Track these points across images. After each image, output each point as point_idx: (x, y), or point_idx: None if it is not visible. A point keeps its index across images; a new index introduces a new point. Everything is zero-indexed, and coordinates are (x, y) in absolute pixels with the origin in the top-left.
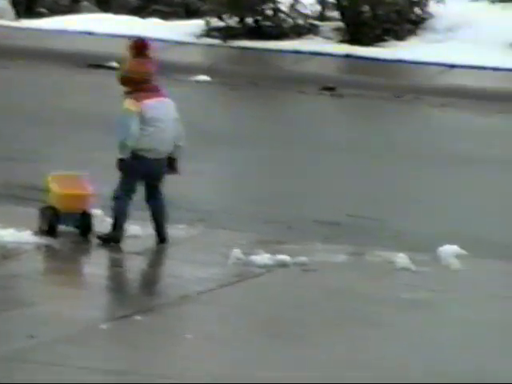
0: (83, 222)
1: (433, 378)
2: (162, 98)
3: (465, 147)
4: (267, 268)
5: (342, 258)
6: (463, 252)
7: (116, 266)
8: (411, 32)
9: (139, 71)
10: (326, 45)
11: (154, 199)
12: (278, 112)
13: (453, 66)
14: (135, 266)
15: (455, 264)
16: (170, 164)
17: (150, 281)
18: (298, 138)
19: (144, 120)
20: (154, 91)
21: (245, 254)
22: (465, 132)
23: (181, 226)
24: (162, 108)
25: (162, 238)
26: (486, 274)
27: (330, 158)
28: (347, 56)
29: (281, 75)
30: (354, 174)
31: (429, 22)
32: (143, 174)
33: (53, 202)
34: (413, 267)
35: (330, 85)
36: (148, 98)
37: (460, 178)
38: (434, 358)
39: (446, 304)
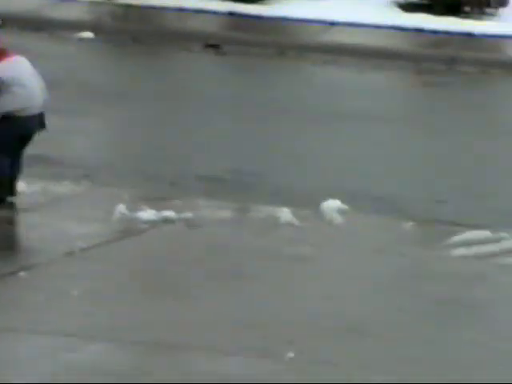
0: None
1: (306, 329)
2: (13, 58)
3: (346, 103)
4: (152, 224)
5: (226, 213)
6: (345, 207)
7: (0, 223)
8: None
9: None
10: (210, 2)
11: (17, 155)
12: (162, 69)
13: (333, 24)
14: (20, 223)
15: (337, 219)
16: (40, 119)
17: (34, 238)
18: (182, 96)
19: (3, 82)
20: (2, 54)
21: (129, 210)
22: (346, 88)
23: (65, 183)
24: (17, 66)
25: (13, 191)
26: (367, 228)
27: (213, 115)
28: (230, 14)
29: (165, 32)
30: (238, 131)
31: None
32: (20, 133)
33: None
34: (296, 222)
35: (214, 42)
36: None
37: (342, 133)
38: (314, 310)
39: (326, 258)
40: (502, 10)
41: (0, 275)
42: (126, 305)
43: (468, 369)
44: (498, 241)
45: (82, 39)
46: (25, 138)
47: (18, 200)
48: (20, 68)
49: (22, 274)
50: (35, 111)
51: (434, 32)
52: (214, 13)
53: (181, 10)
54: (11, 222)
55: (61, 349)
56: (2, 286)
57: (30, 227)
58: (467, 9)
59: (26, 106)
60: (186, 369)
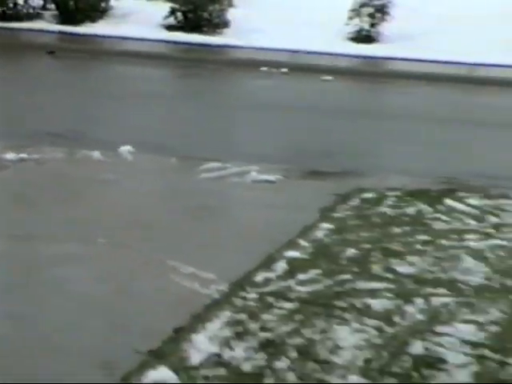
0: None
1: (113, 225)
2: None
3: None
4: (12, 162)
5: (62, 155)
6: (134, 150)
7: None
8: (100, 17)
9: None
10: (49, 25)
11: None
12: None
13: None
14: None
15: (130, 157)
16: None
17: None
18: (34, 80)
19: None
20: None
21: None
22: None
23: None
24: None
25: None
26: (147, 163)
27: (61, 96)
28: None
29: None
30: (76, 104)
31: (111, 11)
32: None
33: None
34: (104, 159)
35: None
36: None
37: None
38: (117, 212)
39: (124, 182)
40: (226, 30)
41: None
42: None
43: None
44: (226, 168)
45: None
46: None
47: None
48: None
49: None
50: None
51: (186, 43)
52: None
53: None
54: None
55: None
56: None
57: None
58: (205, 29)
59: None
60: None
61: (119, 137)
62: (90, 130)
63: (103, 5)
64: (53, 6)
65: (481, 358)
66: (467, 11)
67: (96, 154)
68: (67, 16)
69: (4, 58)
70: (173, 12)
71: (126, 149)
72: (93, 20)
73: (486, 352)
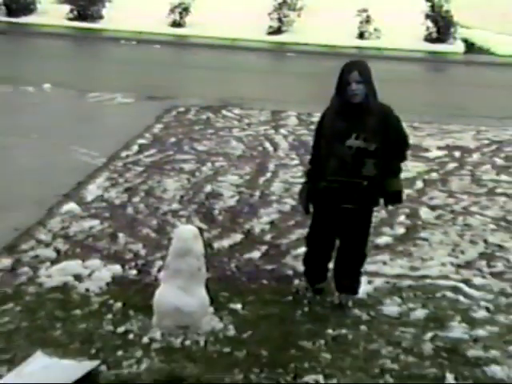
0: None
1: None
2: None
3: None
4: None
5: None
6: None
7: None
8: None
9: None
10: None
11: None
12: None
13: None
14: None
15: (49, 91)
16: None
17: None
18: None
19: None
20: None
21: None
22: None
23: None
24: None
25: None
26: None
27: None
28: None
29: None
30: None
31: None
32: None
33: None
34: (35, 91)
35: None
36: None
37: None
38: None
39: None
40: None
41: None
42: None
43: None
44: (102, 96)
45: None
46: None
47: None
48: None
49: None
50: None
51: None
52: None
53: None
54: None
55: None
56: None
57: None
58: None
59: None
60: None
61: (42, 79)
62: (25, 74)
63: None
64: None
65: (240, 192)
66: None
67: (29, 88)
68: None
69: None
70: None
71: (47, 86)
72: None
73: (243, 189)
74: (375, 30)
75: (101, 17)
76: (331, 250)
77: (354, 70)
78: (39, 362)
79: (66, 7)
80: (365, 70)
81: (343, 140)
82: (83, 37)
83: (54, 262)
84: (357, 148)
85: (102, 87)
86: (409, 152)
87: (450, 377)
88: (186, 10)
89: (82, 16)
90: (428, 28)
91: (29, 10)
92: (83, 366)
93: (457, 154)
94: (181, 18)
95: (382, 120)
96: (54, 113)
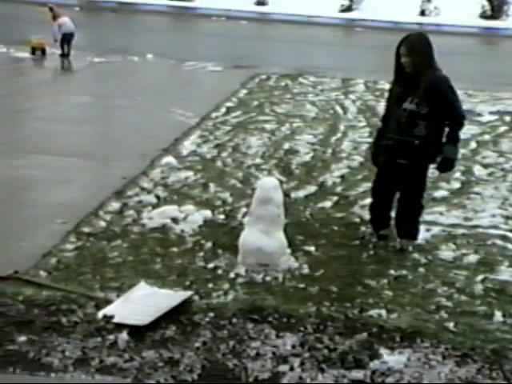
0: None
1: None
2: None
3: None
4: None
5: None
6: None
7: None
8: None
9: None
10: None
11: None
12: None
13: None
14: None
15: (152, 60)
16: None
17: None
18: None
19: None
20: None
21: None
22: None
23: None
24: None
25: None
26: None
27: None
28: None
29: None
30: None
31: None
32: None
33: None
34: (139, 60)
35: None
36: None
37: None
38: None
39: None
40: None
41: None
42: None
43: None
44: (196, 64)
45: None
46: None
47: None
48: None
49: None
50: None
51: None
52: None
53: None
54: None
55: None
56: None
57: None
58: None
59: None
60: None
61: (146, 50)
62: (131, 46)
63: None
64: None
65: (315, 149)
66: None
67: (135, 58)
68: None
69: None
70: None
71: (149, 56)
72: None
73: (317, 147)
74: (435, 7)
75: None
76: (392, 201)
77: (402, 45)
78: (142, 291)
79: None
80: (414, 45)
81: (400, 103)
82: (180, 14)
83: (154, 206)
84: (410, 111)
85: (196, 57)
86: (465, 121)
87: (498, 314)
88: None
89: None
90: (483, 6)
91: None
92: (179, 296)
93: (507, 118)
94: None
95: (433, 88)
96: (155, 79)
